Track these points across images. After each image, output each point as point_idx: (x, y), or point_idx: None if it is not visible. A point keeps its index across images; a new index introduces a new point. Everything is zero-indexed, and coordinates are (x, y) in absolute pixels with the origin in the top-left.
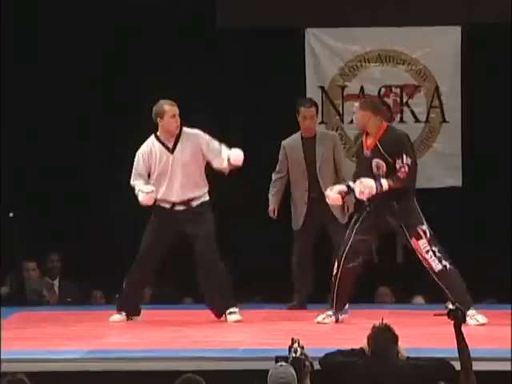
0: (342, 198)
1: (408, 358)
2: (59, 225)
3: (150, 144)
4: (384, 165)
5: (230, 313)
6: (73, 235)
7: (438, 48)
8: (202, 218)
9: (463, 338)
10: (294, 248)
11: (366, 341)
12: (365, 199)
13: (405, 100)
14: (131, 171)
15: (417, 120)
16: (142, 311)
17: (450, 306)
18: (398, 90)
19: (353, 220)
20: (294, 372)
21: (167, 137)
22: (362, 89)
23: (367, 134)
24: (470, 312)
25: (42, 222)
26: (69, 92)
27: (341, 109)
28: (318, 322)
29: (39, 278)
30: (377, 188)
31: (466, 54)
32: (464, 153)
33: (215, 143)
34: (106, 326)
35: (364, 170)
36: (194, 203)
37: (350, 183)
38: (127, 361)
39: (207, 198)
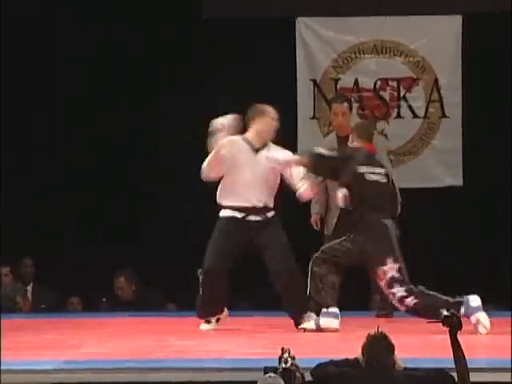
0: None
1: (405, 368)
2: (32, 227)
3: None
4: None
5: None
6: (47, 238)
7: (438, 38)
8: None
9: (459, 347)
10: None
11: (360, 350)
12: None
13: (402, 94)
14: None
15: (415, 115)
16: (123, 319)
17: (445, 313)
18: (394, 84)
19: None
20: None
21: (258, 141)
22: (356, 82)
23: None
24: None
25: (15, 225)
26: None
27: None
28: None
29: (12, 283)
30: None
31: (468, 45)
32: (465, 150)
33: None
34: (84, 334)
35: None
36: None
37: None
38: (107, 372)
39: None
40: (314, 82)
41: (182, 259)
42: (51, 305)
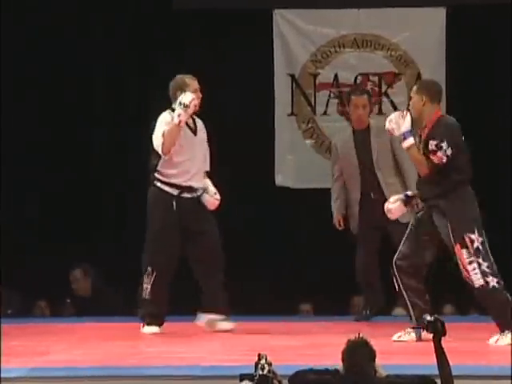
0: (405, 206)
1: (387, 376)
2: None
3: (171, 115)
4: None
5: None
6: (11, 238)
7: (421, 32)
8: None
9: (443, 353)
10: (357, 254)
11: (340, 357)
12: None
13: (384, 89)
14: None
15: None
16: (92, 324)
17: (429, 318)
18: (376, 79)
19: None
20: None
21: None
22: (336, 77)
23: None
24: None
25: None
26: None
27: (313, 99)
28: (395, 341)
29: None
30: (403, 134)
31: (452, 39)
32: None
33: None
34: (52, 340)
35: None
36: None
37: (409, 192)
38: (75, 380)
39: None
40: (292, 77)
41: None
42: (18, 309)
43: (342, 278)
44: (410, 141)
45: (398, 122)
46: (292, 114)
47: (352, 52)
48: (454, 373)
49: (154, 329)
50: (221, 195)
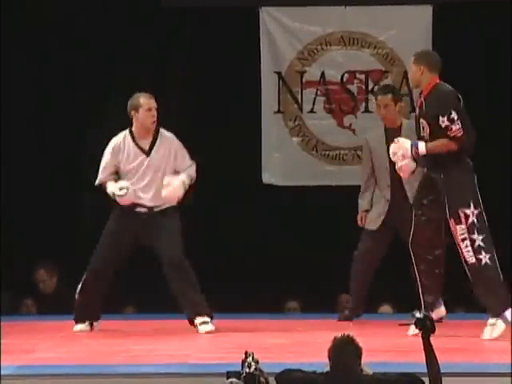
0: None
1: (374, 374)
2: None
3: (122, 139)
4: (427, 126)
5: (202, 323)
6: None
7: (407, 29)
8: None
9: (432, 351)
10: (359, 250)
11: (327, 354)
12: (398, 163)
13: (370, 87)
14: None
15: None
16: None
17: (418, 315)
18: (362, 76)
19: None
20: None
21: (142, 133)
22: (322, 74)
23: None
24: (491, 321)
25: None
26: None
27: (299, 97)
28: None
29: None
30: (412, 150)
31: (438, 37)
32: None
33: (185, 161)
34: (38, 338)
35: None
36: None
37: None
38: (61, 377)
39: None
40: (279, 74)
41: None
42: (4, 307)
43: (328, 275)
44: (422, 145)
45: (400, 147)
46: (279, 111)
47: (339, 50)
48: (442, 370)
49: (81, 326)
50: (208, 193)
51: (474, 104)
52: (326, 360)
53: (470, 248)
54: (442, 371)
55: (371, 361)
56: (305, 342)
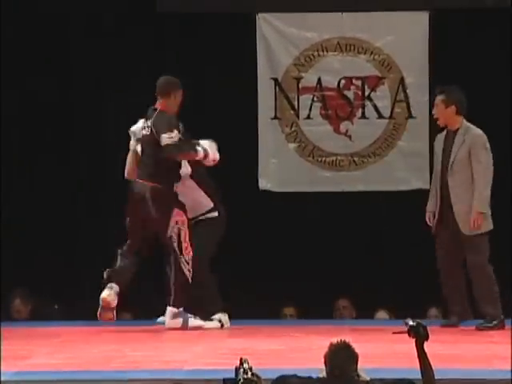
0: None
1: (370, 379)
2: None
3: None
4: None
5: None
6: None
7: (404, 36)
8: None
9: (426, 357)
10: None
11: (323, 360)
12: None
13: (367, 93)
14: None
15: (380, 115)
16: (75, 328)
17: (411, 323)
18: (359, 82)
19: None
20: None
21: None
22: (319, 80)
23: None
24: None
25: None
26: None
27: (296, 103)
28: None
29: None
30: None
31: (435, 43)
32: (432, 152)
33: None
34: (34, 344)
35: None
36: None
37: None
38: (58, 383)
39: None
40: (276, 80)
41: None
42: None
43: (325, 281)
44: None
45: None
46: (275, 117)
47: (335, 56)
48: (436, 377)
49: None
50: None
51: (471, 110)
52: (322, 366)
53: None
54: (447, 378)
55: (368, 367)
56: (301, 347)
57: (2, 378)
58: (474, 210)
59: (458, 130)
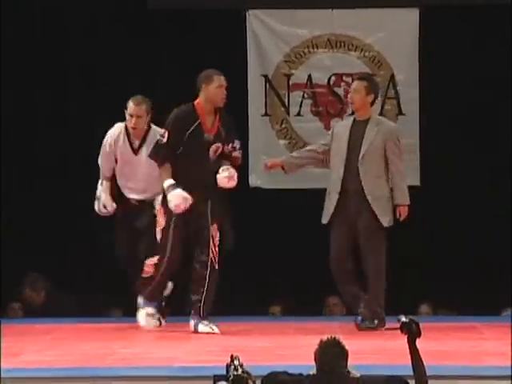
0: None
1: (361, 376)
2: None
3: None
4: None
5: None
6: None
7: (394, 33)
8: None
9: (418, 354)
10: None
11: (313, 356)
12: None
13: None
14: None
15: None
16: (65, 325)
17: (403, 319)
18: (349, 79)
19: None
20: None
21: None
22: (309, 77)
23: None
24: None
25: None
26: None
27: (286, 100)
28: None
29: None
30: None
31: (425, 40)
32: (422, 149)
33: None
34: (25, 341)
35: None
36: None
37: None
38: (48, 380)
39: None
40: (266, 77)
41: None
42: None
43: (315, 278)
44: None
45: None
46: (266, 114)
47: (326, 53)
48: (428, 373)
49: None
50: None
51: (460, 106)
52: (313, 362)
53: None
54: (443, 374)
55: (358, 363)
56: (291, 344)
57: None
58: (400, 203)
59: (368, 120)
